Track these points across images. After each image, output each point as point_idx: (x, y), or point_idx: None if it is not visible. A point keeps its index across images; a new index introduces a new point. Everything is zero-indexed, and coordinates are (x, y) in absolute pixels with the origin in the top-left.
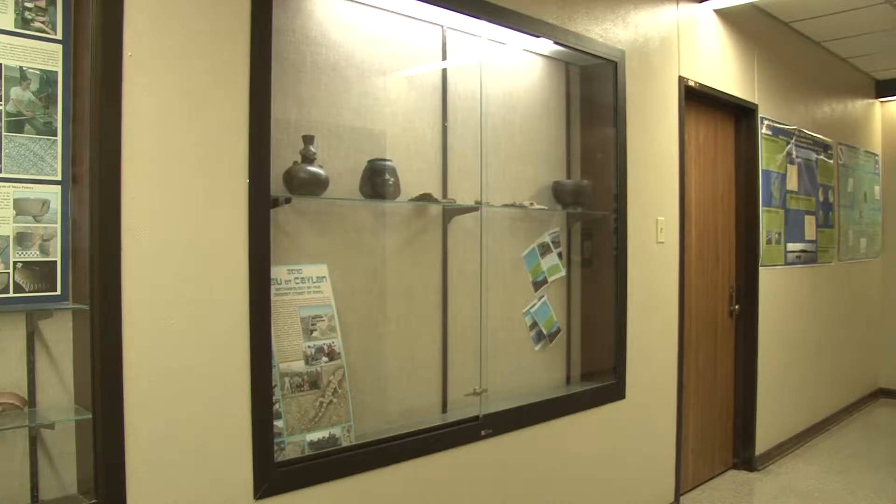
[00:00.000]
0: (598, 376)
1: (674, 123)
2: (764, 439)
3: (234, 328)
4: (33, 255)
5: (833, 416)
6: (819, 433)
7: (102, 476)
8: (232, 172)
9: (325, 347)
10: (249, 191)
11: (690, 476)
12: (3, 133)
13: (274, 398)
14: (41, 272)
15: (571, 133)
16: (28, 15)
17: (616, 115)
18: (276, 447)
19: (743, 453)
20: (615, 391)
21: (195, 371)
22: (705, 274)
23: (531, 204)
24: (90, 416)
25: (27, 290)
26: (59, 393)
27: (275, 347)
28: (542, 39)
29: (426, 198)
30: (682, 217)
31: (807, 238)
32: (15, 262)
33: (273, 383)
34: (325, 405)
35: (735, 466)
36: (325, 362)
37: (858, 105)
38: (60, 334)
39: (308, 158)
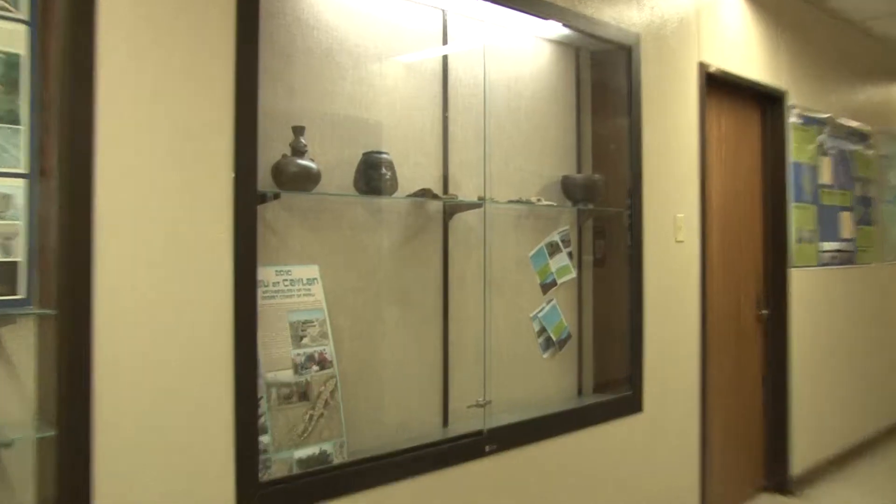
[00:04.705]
0: (613, 387)
1: (693, 113)
2: (801, 459)
3: (217, 335)
4: None
5: (880, 434)
6: (865, 453)
7: (67, 499)
8: (216, 165)
9: (316, 355)
10: (235, 185)
11: (717, 499)
12: None
13: (259, 411)
14: (2, 274)
15: (582, 124)
16: None
17: (630, 104)
18: (261, 465)
19: (776, 474)
20: (631, 403)
21: (173, 383)
22: (729, 275)
23: (538, 200)
24: (54, 432)
25: None
26: (18, 407)
27: (261, 355)
28: (550, 22)
29: (425, 193)
30: (704, 214)
31: (843, 237)
32: None
33: (259, 395)
34: (315, 418)
35: (767, 489)
36: (316, 371)
37: None
38: (23, 342)
39: (298, 151)
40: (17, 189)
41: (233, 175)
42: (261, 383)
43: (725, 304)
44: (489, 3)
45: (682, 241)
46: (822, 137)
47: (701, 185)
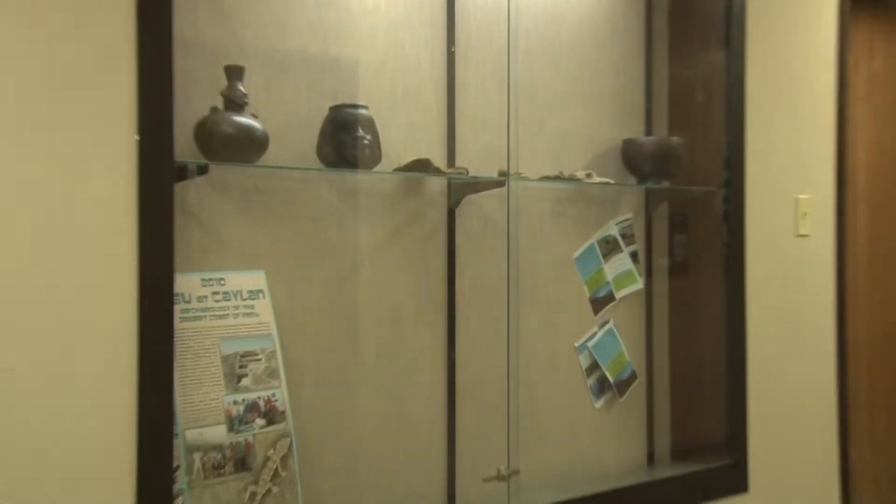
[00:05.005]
0: (702, 453)
1: (828, 40)
2: None
3: (112, 374)
4: None
5: None
6: None
7: None
8: (109, 124)
9: (262, 403)
10: (140, 154)
11: None
12: None
13: (175, 488)
14: None
15: (654, 63)
16: None
17: (729, 32)
18: None
19: None
20: (732, 478)
21: (42, 453)
22: (885, 287)
23: (588, 175)
24: None
25: None
26: None
27: (179, 405)
28: None
29: (422, 166)
30: (842, 194)
31: None
32: None
33: (175, 463)
34: (259, 497)
35: None
36: (262, 428)
37: None
38: None
39: (234, 103)
40: None
41: (136, 137)
42: (178, 445)
43: (879, 331)
44: None
45: (806, 236)
46: None
47: (838, 150)
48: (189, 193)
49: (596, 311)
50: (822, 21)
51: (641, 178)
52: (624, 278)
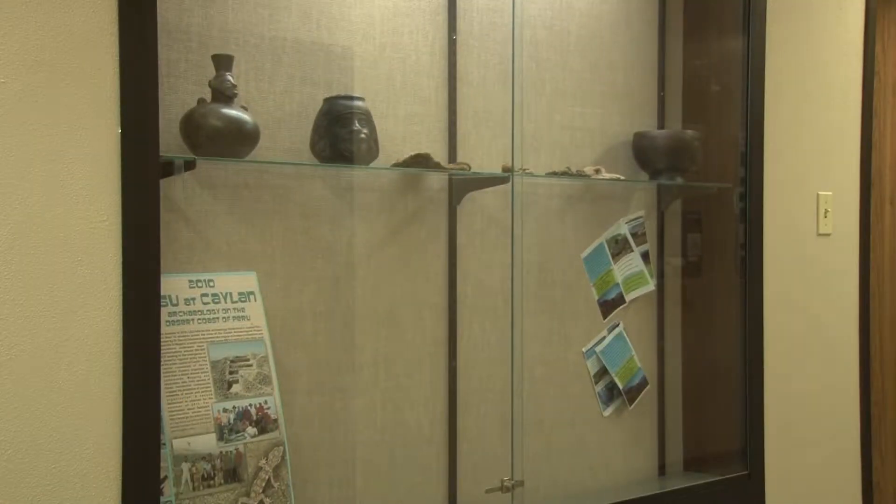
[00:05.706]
0: (716, 463)
1: (854, 26)
2: None
3: (95, 382)
4: None
5: None
6: None
7: None
8: (90, 117)
9: (253, 411)
10: (123, 148)
11: None
12: None
13: (163, 499)
14: None
15: (668, 52)
16: None
17: (748, 18)
18: None
19: None
20: (747, 490)
21: (19, 465)
22: None
23: (597, 171)
24: None
25: None
26: None
27: (166, 412)
28: None
29: (422, 162)
30: (867, 190)
31: None
32: None
33: (162, 474)
34: None
35: None
36: (253, 437)
37: None
38: None
39: (223, 94)
40: None
41: (118, 130)
42: (165, 455)
43: None
44: None
45: (827, 235)
46: None
47: (863, 145)
48: (175, 190)
49: (605, 314)
50: (849, 6)
51: (653, 173)
52: (634, 280)
